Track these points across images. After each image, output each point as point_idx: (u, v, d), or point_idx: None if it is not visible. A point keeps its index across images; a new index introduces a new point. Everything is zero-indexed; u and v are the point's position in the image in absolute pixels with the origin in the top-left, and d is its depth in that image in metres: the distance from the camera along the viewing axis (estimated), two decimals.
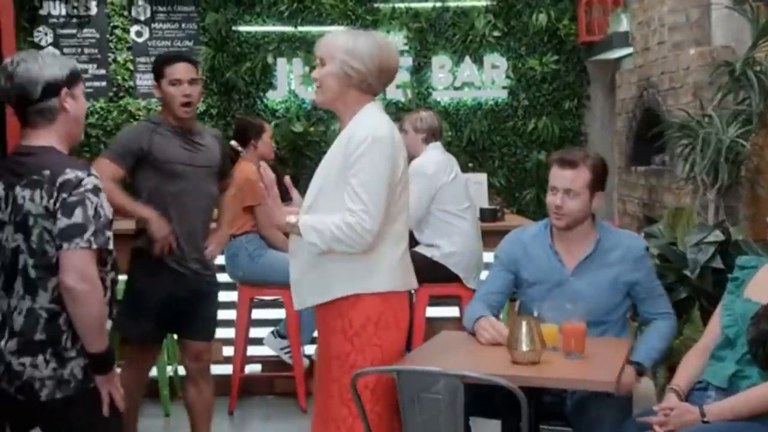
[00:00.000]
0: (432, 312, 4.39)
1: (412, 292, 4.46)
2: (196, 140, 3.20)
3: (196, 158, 3.18)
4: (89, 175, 2.17)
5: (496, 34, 6.12)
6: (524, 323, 2.29)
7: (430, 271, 4.13)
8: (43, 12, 6.06)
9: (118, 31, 6.06)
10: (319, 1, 6.10)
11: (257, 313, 4.37)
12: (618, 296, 2.66)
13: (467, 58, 6.13)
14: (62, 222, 2.11)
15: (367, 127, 2.31)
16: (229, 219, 3.54)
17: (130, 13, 6.10)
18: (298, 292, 2.41)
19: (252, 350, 4.34)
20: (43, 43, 5.99)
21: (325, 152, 2.45)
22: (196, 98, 3.18)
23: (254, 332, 4.31)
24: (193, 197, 3.16)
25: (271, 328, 4.32)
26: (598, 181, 2.64)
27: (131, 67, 6.10)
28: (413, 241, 4.18)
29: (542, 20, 6.08)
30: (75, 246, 2.09)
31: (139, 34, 6.13)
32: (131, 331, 3.13)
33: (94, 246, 2.11)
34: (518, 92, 6.17)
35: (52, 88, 2.22)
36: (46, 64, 2.24)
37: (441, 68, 6.14)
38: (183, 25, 6.16)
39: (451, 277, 4.16)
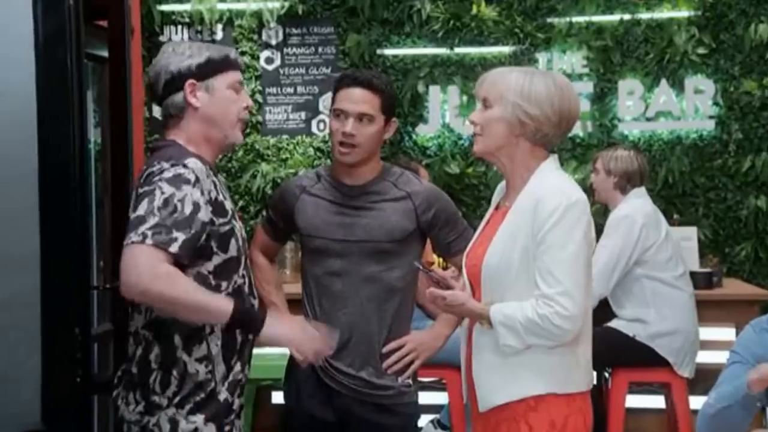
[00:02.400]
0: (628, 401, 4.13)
1: (607, 377, 4.21)
2: (361, 203, 2.71)
3: (351, 230, 2.70)
4: (175, 165, 2.06)
5: (701, 51, 5.77)
6: None
7: (630, 353, 3.98)
8: (163, 38, 6.21)
9: (246, 58, 6.11)
10: (479, 17, 5.94)
11: None
12: None
13: (663, 82, 5.80)
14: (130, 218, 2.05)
15: (559, 192, 2.27)
16: (449, 317, 2.75)
17: (260, 36, 6.16)
18: (483, 391, 2.34)
19: None
20: None
21: (485, 198, 2.49)
22: (363, 141, 2.70)
23: None
24: (344, 285, 2.69)
25: (432, 416, 4.26)
26: None
27: (260, 99, 6.15)
28: (610, 313, 3.98)
29: (762, 32, 5.67)
30: (128, 242, 1.98)
31: (269, 60, 6.18)
32: None
33: (149, 241, 1.95)
34: (729, 122, 5.78)
35: (175, 81, 2.19)
36: (177, 53, 2.21)
37: (630, 94, 5.84)
38: (320, 50, 6.16)
39: (657, 361, 3.94)
